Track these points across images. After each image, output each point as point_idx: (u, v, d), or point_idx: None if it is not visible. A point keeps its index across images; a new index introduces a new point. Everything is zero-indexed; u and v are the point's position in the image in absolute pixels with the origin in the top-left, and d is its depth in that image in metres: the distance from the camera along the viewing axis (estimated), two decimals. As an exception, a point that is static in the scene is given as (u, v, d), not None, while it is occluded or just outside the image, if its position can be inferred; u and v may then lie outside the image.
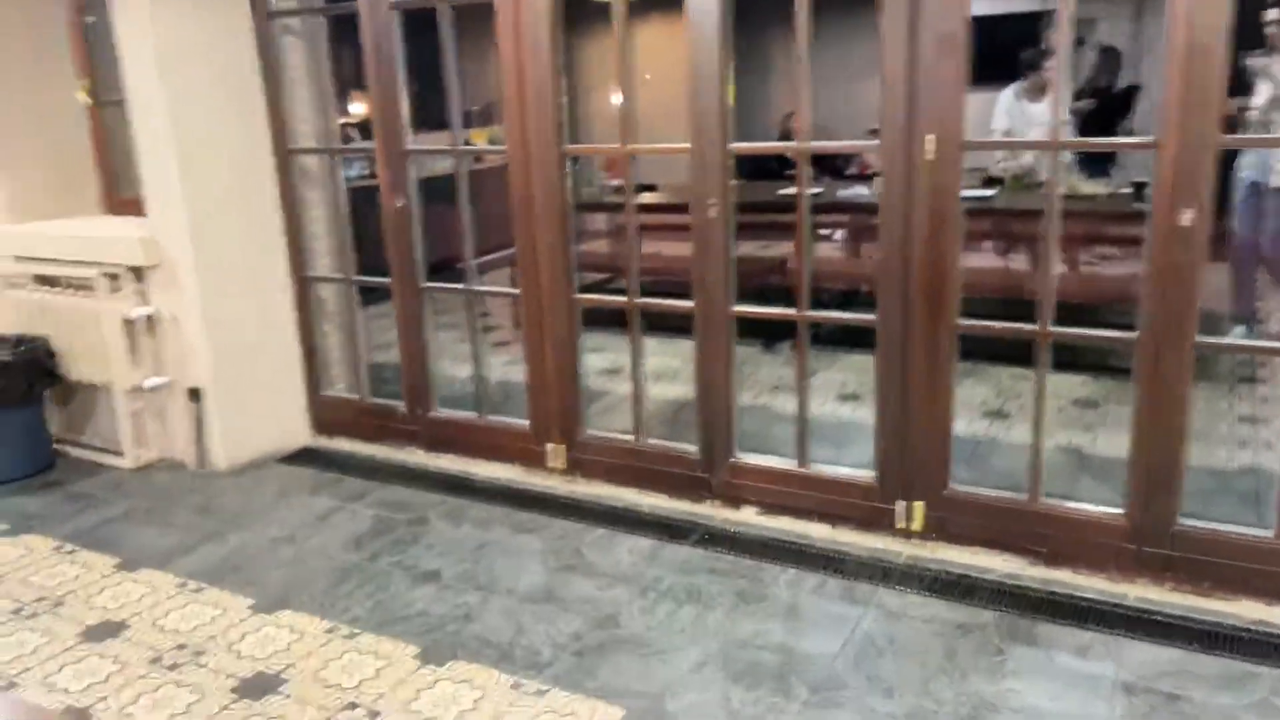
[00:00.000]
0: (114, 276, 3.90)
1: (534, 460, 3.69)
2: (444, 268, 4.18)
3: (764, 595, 2.85)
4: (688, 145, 3.12)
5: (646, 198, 6.03)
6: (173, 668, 2.59)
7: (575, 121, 3.45)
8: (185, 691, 2.49)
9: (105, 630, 2.80)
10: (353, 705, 2.41)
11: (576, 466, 3.62)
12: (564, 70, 3.30)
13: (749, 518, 3.30)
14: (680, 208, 3.49)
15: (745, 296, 3.25)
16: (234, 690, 2.48)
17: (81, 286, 4.01)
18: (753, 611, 2.77)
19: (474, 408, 3.84)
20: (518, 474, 3.74)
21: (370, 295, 4.11)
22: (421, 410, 3.92)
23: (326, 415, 4.19)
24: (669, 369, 4.68)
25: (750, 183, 5.74)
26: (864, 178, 6.93)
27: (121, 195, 4.49)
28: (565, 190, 3.39)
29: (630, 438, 3.52)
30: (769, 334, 5.11)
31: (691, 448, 3.40)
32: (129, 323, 3.92)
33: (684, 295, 3.29)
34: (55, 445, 4.18)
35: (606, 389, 4.48)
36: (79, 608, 2.93)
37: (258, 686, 2.50)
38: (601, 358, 4.76)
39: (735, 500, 3.34)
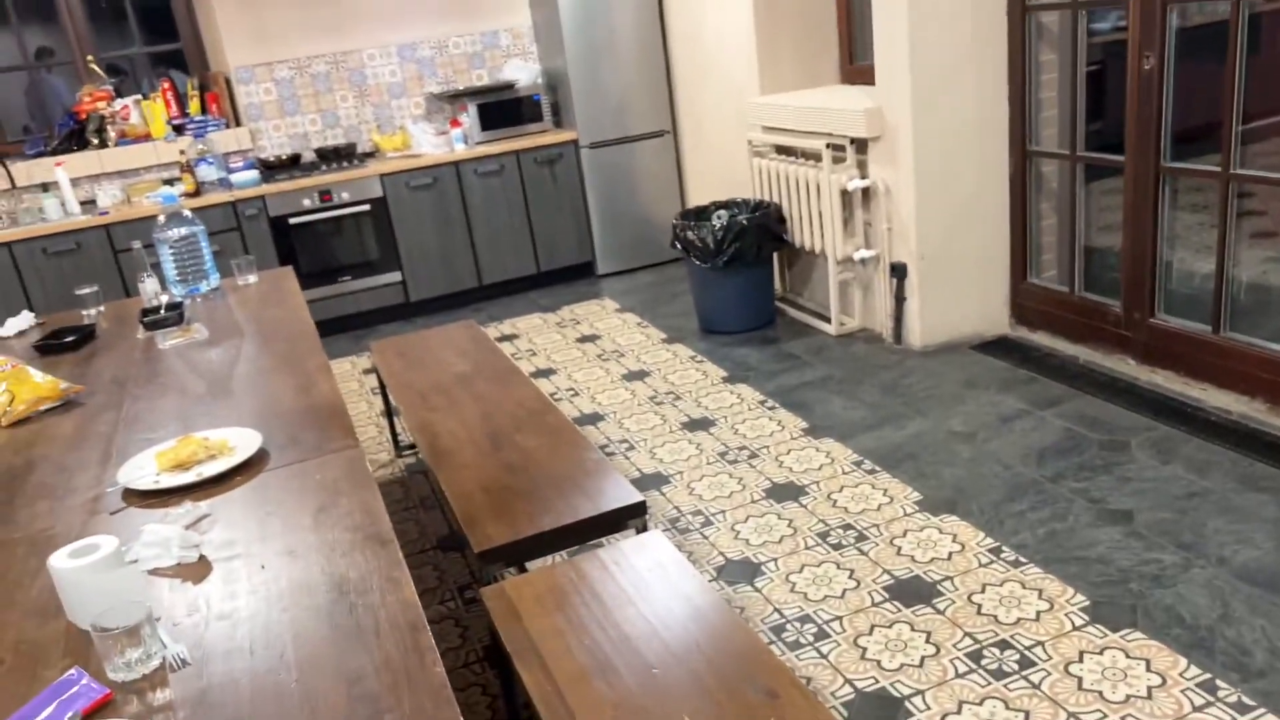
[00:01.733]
0: (838, 148, 4.01)
1: (1285, 397, 2.91)
2: (1200, 136, 3.41)
3: None
4: None
5: None
6: (837, 547, 2.67)
7: None
8: (844, 575, 2.54)
9: (786, 491, 3.00)
10: (1004, 645, 2.20)
11: (1350, 416, 2.75)
12: None
13: None
14: None
15: None
16: (887, 589, 2.45)
17: (811, 156, 4.22)
18: None
19: (1209, 319, 3.14)
20: (1258, 411, 2.99)
21: (1098, 170, 3.58)
22: (1139, 314, 3.35)
23: (1029, 305, 3.85)
24: None
25: None
26: None
27: (857, 64, 4.57)
28: (1399, 40, 2.44)
29: None
30: None
31: None
32: (846, 194, 4.02)
33: None
34: (776, 304, 4.59)
35: None
36: (769, 463, 3.18)
37: (911, 591, 2.43)
38: None
39: None
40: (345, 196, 5.06)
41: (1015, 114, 3.69)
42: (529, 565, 2.47)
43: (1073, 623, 2.24)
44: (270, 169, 5.15)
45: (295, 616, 1.34)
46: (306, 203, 5.01)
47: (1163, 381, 3.31)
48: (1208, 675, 2.03)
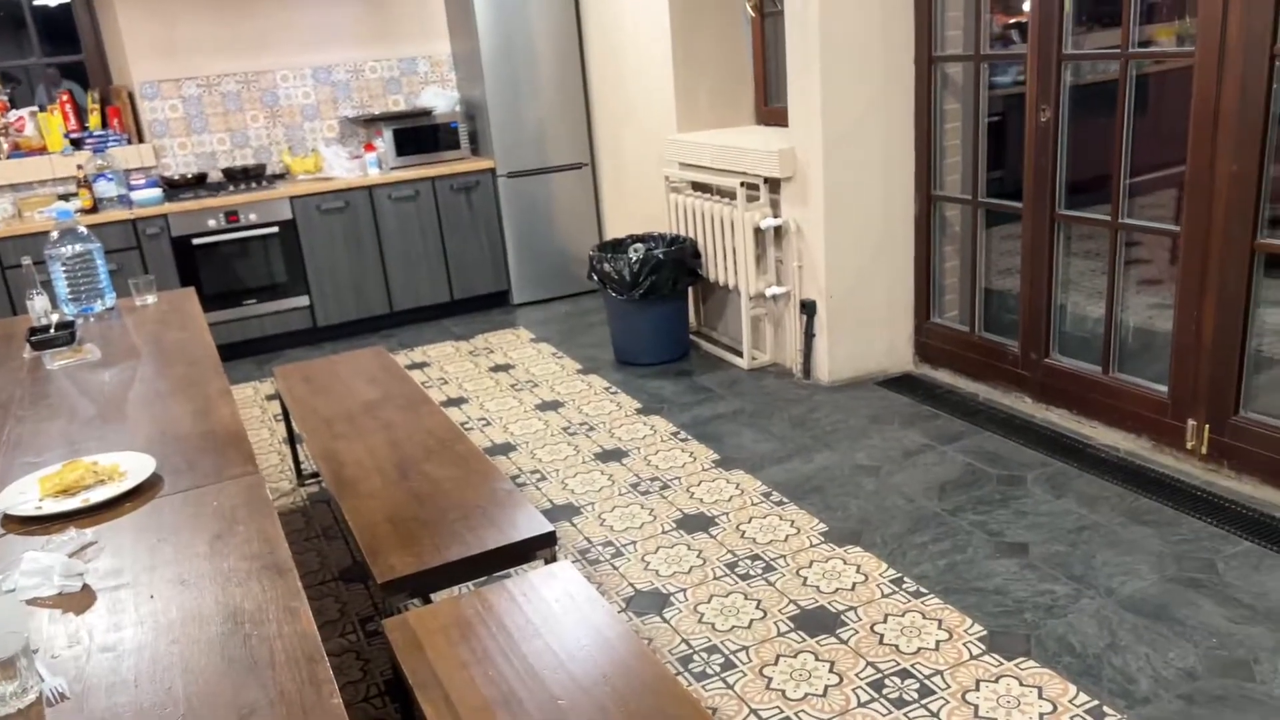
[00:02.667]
0: (752, 186, 4.09)
1: (1166, 435, 3.06)
2: (1093, 187, 3.60)
3: None
4: None
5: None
6: (745, 577, 2.69)
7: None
8: (751, 605, 2.56)
9: (696, 522, 3.01)
10: (905, 674, 2.24)
11: (1223, 454, 2.90)
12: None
13: None
14: None
15: None
16: (792, 619, 2.48)
17: (726, 194, 4.30)
18: None
19: (1099, 360, 3.29)
20: (1143, 448, 3.14)
21: (998, 216, 3.73)
22: (1036, 354, 3.49)
23: (932, 343, 3.98)
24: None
25: None
26: None
27: (771, 106, 4.68)
28: (1269, 105, 2.61)
29: (1312, 432, 2.70)
30: None
31: None
32: (759, 232, 4.11)
33: None
34: (691, 337, 4.64)
35: (1287, 357, 3.52)
36: (680, 495, 3.20)
37: (816, 621, 2.46)
38: (1286, 315, 3.76)
39: None
40: (253, 218, 4.94)
41: (921, 159, 3.83)
42: (435, 597, 2.42)
43: (970, 652, 2.30)
44: (174, 187, 5.00)
45: (185, 649, 1.29)
46: (212, 223, 4.87)
47: (1056, 419, 3.44)
48: (1095, 702, 2.10)
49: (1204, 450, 2.95)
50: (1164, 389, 3.07)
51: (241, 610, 1.36)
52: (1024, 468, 3.14)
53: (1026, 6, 3.30)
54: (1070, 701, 2.11)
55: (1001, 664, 2.24)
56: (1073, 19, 3.18)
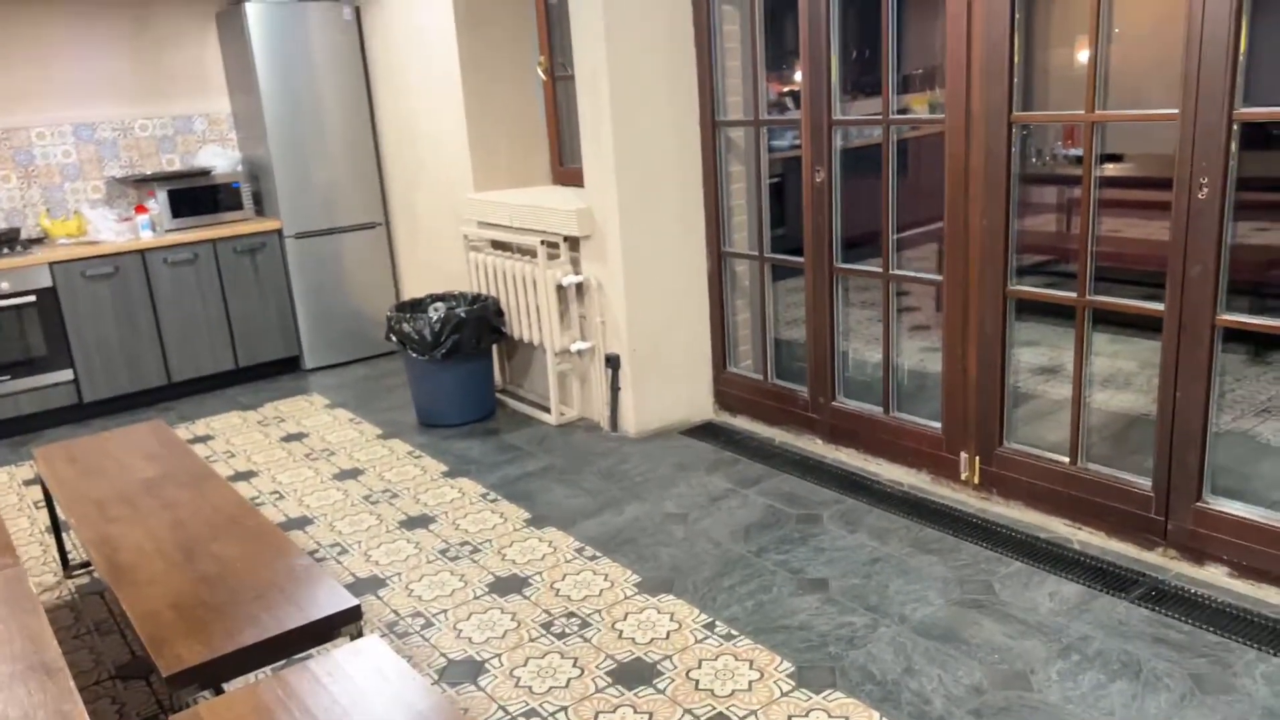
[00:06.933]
0: (552, 245, 4.14)
1: (943, 468, 3.31)
2: (867, 242, 3.89)
3: (1231, 686, 2.25)
4: (1174, 111, 2.52)
5: (1109, 170, 5.19)
6: (560, 636, 2.66)
7: (1029, 84, 2.98)
8: (568, 664, 2.53)
9: (510, 584, 2.96)
10: (721, 717, 2.27)
11: (993, 482, 3.17)
12: (1020, 26, 2.82)
13: (1216, 579, 2.65)
14: (1153, 182, 2.87)
15: (1234, 293, 2.58)
16: (610, 673, 2.47)
17: (526, 252, 4.32)
18: (1213, 706, 2.19)
19: (880, 401, 3.53)
20: (924, 481, 3.38)
21: (783, 270, 3.96)
22: (824, 398, 3.70)
23: (730, 392, 4.14)
24: (1120, 373, 3.98)
25: (1259, 153, 4.68)
26: None
27: (566, 166, 4.77)
28: (1010, 166, 2.93)
29: (1063, 458, 3.00)
30: (1260, 340, 4.14)
31: (1143, 480, 2.81)
32: (561, 289, 4.15)
33: (1145, 284, 2.70)
34: (497, 395, 4.60)
35: (1038, 391, 3.91)
36: (492, 557, 3.13)
37: (633, 674, 2.46)
38: (1035, 353, 4.18)
39: (1198, 555, 2.70)
40: (5, 286, 4.49)
41: (711, 218, 4.01)
42: (230, 688, 2.24)
43: (781, 689, 2.37)
44: (-92, 253, 4.48)
45: (-71, 772, 1.13)
46: (-45, 292, 4.39)
47: (846, 459, 3.65)
48: (898, 726, 2.21)
49: (976, 480, 3.21)
50: (938, 426, 3.32)
51: (-1, 722, 1.21)
52: (820, 506, 3.30)
53: (798, 76, 3.55)
54: (875, 727, 2.21)
55: (810, 698, 2.32)
56: (840, 88, 3.44)
